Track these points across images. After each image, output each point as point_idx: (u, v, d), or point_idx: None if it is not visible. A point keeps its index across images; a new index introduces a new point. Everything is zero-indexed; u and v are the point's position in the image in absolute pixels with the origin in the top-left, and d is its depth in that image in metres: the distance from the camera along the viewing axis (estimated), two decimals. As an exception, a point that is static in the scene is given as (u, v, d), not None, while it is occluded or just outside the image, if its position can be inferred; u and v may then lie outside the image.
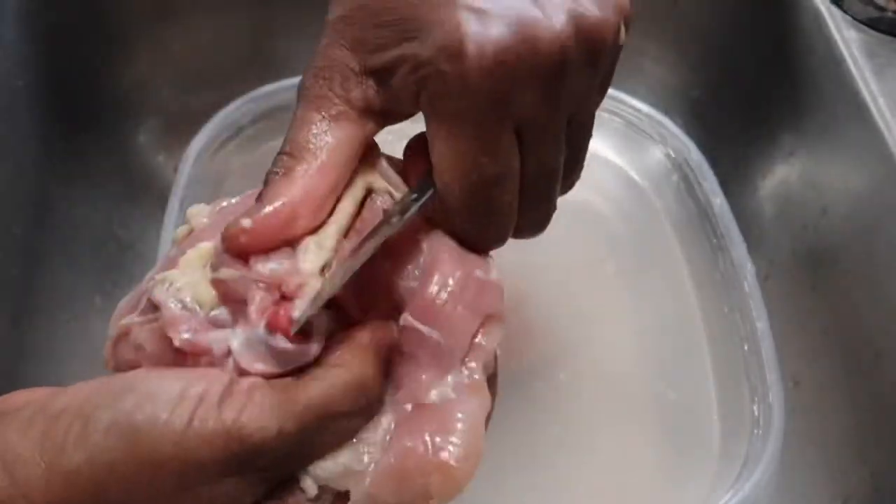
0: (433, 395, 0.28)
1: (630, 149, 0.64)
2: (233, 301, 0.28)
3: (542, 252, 0.58)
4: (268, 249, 0.28)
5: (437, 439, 0.27)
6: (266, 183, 0.29)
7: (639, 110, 0.65)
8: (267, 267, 0.27)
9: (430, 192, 0.30)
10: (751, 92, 0.61)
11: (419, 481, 0.27)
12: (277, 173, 0.29)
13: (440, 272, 0.29)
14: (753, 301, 0.55)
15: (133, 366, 0.29)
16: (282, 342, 0.26)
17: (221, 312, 0.28)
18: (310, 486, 0.27)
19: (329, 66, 0.29)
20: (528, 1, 0.27)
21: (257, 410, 0.24)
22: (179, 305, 0.28)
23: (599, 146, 0.64)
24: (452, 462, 0.27)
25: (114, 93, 0.61)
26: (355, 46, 0.29)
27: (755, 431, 0.51)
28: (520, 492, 0.50)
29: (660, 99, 0.65)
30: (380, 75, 0.29)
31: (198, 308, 0.28)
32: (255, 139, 0.62)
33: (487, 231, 0.31)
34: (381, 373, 0.28)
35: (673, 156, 0.63)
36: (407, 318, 0.29)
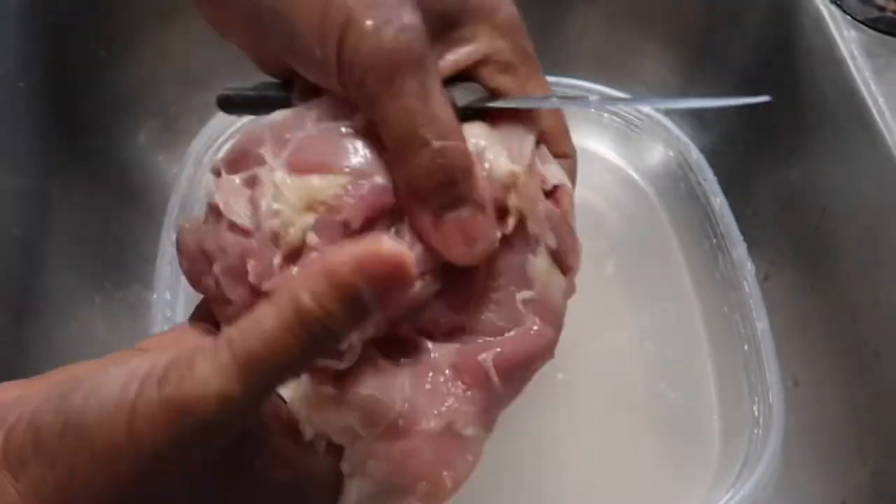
0: (460, 426, 0.28)
1: (630, 149, 0.64)
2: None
3: (542, 252, 0.58)
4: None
5: (447, 457, 0.28)
6: None
7: (639, 110, 0.65)
8: None
9: None
10: (751, 92, 0.61)
11: (411, 481, 0.27)
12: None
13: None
14: (753, 301, 0.55)
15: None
16: None
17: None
18: (307, 430, 0.27)
19: None
20: None
21: (196, 378, 0.23)
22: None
23: (599, 146, 0.64)
24: (449, 484, 0.28)
25: (114, 93, 0.61)
26: None
27: (755, 431, 0.51)
28: (519, 492, 0.50)
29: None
30: None
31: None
32: (255, 139, 0.62)
33: None
34: (341, 300, 0.23)
35: (673, 156, 0.63)
36: (486, 360, 0.29)
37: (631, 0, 0.64)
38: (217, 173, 0.31)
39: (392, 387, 0.28)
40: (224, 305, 0.30)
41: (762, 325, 0.54)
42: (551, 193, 0.32)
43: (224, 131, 0.61)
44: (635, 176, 0.63)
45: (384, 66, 0.28)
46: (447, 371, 0.28)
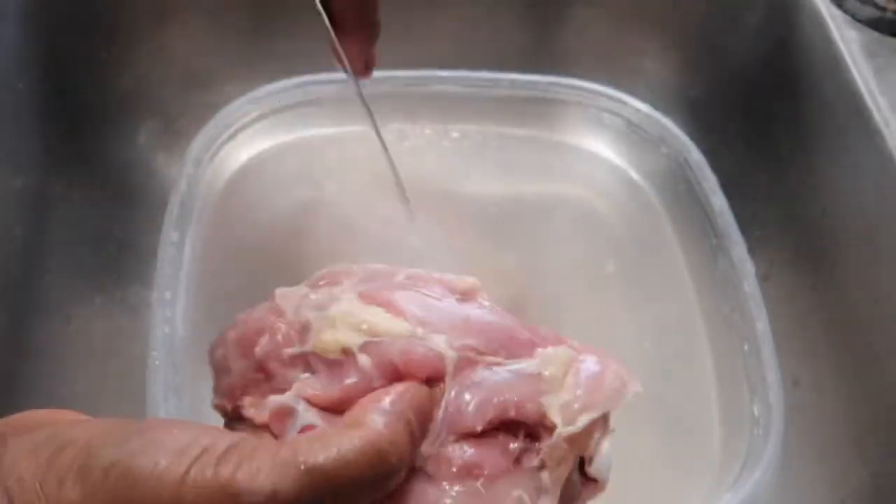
0: None
1: (630, 149, 0.64)
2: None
3: (542, 252, 0.58)
4: None
5: None
6: None
7: (639, 110, 0.65)
8: None
9: None
10: (751, 92, 0.61)
11: None
12: None
13: None
14: (753, 301, 0.55)
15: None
16: None
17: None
18: None
19: None
20: None
21: (254, 469, 0.23)
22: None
23: (599, 146, 0.64)
24: None
25: (114, 93, 0.61)
26: None
27: (755, 431, 0.51)
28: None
29: (660, 99, 0.65)
30: None
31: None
32: (254, 139, 0.62)
33: None
34: (411, 439, 0.25)
35: (673, 156, 0.63)
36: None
37: (631, 0, 0.64)
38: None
39: None
40: (222, 375, 0.29)
41: (762, 325, 0.54)
42: (588, 480, 0.30)
43: (224, 131, 0.61)
44: (635, 176, 0.63)
45: None
46: None
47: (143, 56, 0.61)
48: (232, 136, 0.61)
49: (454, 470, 0.27)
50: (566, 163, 0.64)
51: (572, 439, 0.28)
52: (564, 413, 0.28)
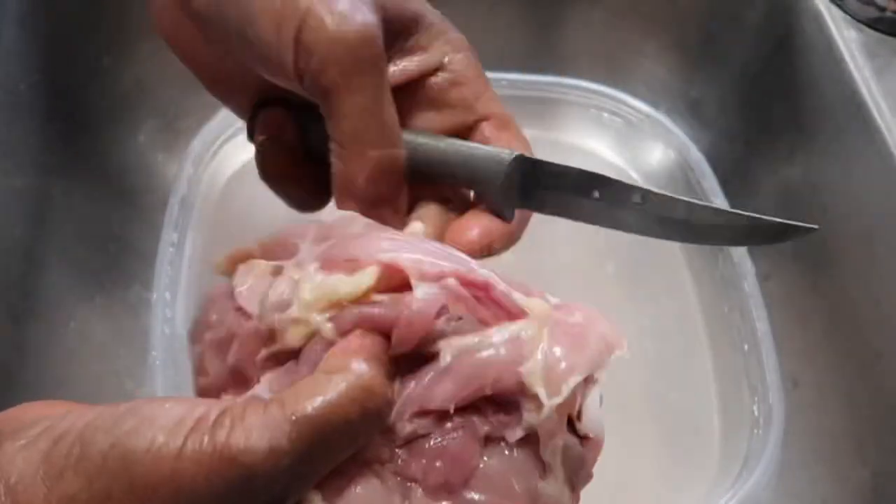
0: None
1: (630, 149, 0.64)
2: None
3: (542, 252, 0.58)
4: None
5: None
6: None
7: (639, 110, 0.65)
8: None
9: None
10: (751, 92, 0.61)
11: None
12: None
13: None
14: (753, 301, 0.55)
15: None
16: None
17: None
18: None
19: None
20: None
21: (247, 429, 0.23)
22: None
23: (599, 146, 0.64)
24: None
25: (114, 93, 0.61)
26: None
27: (755, 431, 0.51)
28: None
29: (660, 99, 0.65)
30: None
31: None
32: (255, 139, 0.62)
33: None
34: (386, 379, 0.26)
35: (673, 156, 0.63)
36: None
37: (631, 0, 0.64)
38: (246, 257, 0.30)
39: None
40: (199, 376, 0.30)
41: (762, 325, 0.54)
42: (583, 438, 0.29)
43: (224, 131, 0.61)
44: (635, 176, 0.63)
45: (347, 59, 0.29)
46: None
47: (143, 56, 0.61)
48: (232, 136, 0.61)
49: (430, 476, 0.26)
50: (566, 163, 0.63)
51: (559, 406, 0.27)
52: (548, 379, 0.27)
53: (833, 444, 0.51)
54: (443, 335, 0.27)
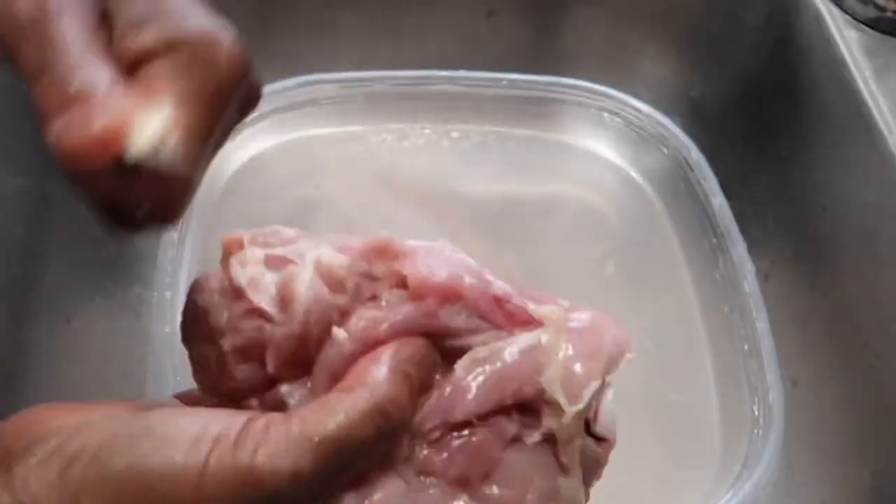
0: None
1: (630, 149, 0.64)
2: None
3: (542, 252, 0.58)
4: None
5: None
6: None
7: (639, 110, 0.65)
8: None
9: None
10: (751, 92, 0.61)
11: None
12: None
13: None
14: (753, 301, 0.55)
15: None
16: None
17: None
18: None
19: None
20: None
21: (271, 450, 0.23)
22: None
23: (599, 146, 0.64)
24: None
25: (114, 93, 0.60)
26: None
27: (755, 431, 0.51)
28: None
29: (660, 99, 0.65)
30: None
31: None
32: (254, 139, 0.62)
33: None
34: (411, 392, 0.26)
35: (673, 156, 0.63)
36: None
37: (631, 0, 0.64)
38: (236, 245, 0.30)
39: None
40: (225, 380, 0.29)
41: (762, 324, 0.54)
42: (598, 439, 0.30)
43: (224, 131, 0.61)
44: (635, 176, 0.63)
45: None
46: None
47: (143, 56, 0.61)
48: (232, 136, 0.61)
49: (451, 470, 0.27)
50: (566, 163, 0.64)
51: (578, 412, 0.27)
52: (567, 386, 0.27)
53: (833, 444, 0.51)
54: (459, 334, 0.27)
